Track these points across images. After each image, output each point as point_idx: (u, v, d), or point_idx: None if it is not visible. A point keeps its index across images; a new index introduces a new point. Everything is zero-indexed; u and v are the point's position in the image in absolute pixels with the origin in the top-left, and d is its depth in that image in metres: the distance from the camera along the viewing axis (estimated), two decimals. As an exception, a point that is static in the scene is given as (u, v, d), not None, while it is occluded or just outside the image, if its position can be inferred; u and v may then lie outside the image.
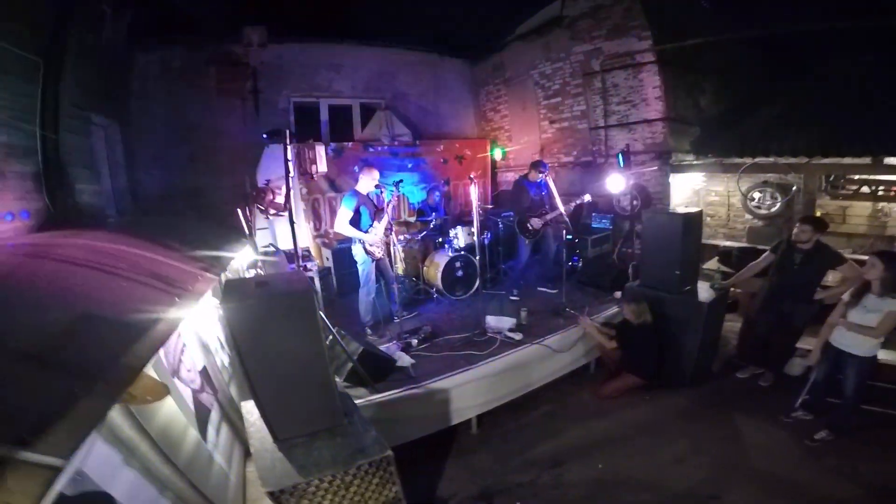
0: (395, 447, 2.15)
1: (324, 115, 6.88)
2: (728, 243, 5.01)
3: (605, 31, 5.55)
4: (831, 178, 4.32)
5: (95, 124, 4.95)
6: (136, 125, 5.64)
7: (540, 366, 3.94)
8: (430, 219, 5.90)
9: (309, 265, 3.97)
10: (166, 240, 3.75)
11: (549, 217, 5.00)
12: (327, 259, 5.83)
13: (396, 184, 4.43)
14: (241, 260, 3.97)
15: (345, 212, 4.11)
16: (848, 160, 4.11)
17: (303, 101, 6.71)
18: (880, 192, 4.01)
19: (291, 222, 3.42)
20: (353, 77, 6.87)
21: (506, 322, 4.22)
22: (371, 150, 6.45)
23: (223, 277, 3.70)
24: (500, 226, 5.78)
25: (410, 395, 3.25)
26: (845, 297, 3.16)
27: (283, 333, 2.05)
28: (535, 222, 5.03)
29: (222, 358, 3.29)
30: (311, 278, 3.92)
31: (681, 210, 4.27)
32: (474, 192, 4.14)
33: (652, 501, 2.86)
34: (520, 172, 7.09)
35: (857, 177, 4.13)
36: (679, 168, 5.15)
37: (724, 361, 4.36)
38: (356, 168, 6.12)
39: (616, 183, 4.83)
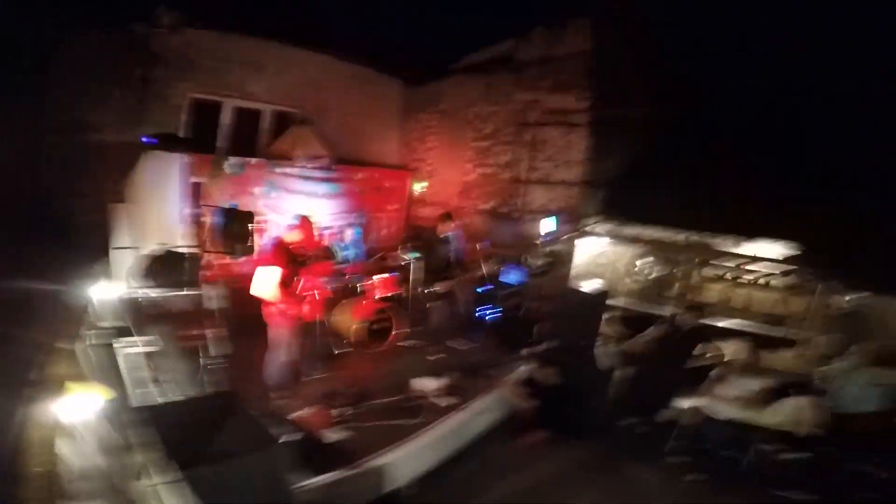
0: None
1: (225, 119, 5.93)
2: (611, 301, 5.70)
3: (549, 83, 5.73)
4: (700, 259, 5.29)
5: None
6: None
7: (466, 427, 4.04)
8: (345, 262, 5.46)
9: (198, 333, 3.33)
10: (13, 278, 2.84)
11: (456, 280, 5.01)
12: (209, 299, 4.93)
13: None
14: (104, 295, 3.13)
15: (270, 272, 3.43)
16: (714, 241, 5.09)
17: (203, 98, 5.69)
18: (730, 277, 5.07)
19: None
20: (272, 80, 6.07)
21: (431, 384, 4.22)
22: (278, 170, 5.70)
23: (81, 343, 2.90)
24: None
25: (347, 476, 3.07)
26: (713, 374, 4.07)
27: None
28: (443, 286, 4.92)
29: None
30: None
31: (590, 287, 4.76)
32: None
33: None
34: (436, 210, 7.09)
35: (717, 262, 5.15)
36: (586, 233, 5.71)
37: (609, 410, 4.93)
38: (257, 190, 5.47)
39: (538, 249, 5.13)
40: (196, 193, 4.75)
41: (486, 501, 3.61)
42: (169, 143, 4.78)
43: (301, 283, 3.72)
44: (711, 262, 5.14)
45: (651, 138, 5.41)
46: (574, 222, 5.74)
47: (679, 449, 4.21)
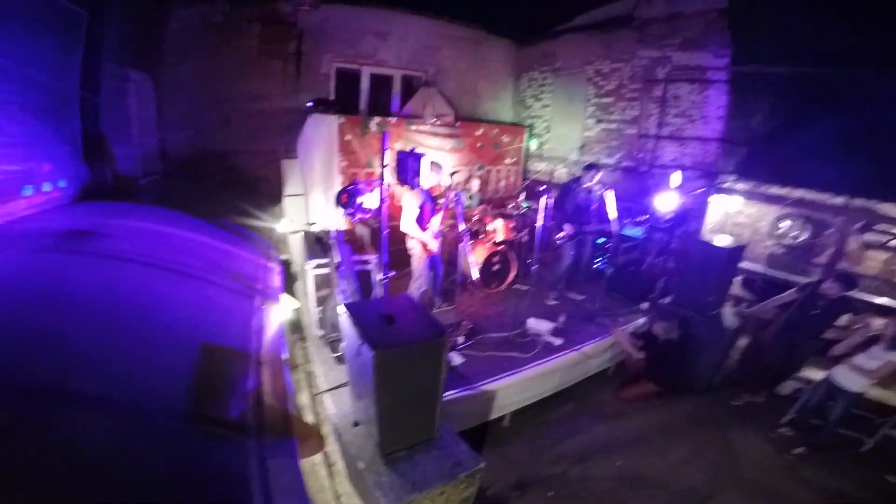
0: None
1: (365, 84, 6.68)
2: (747, 265, 5.31)
3: (678, 41, 5.43)
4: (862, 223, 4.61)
5: (131, 81, 4.77)
6: (169, 83, 5.41)
7: (573, 368, 4.31)
8: (468, 209, 5.98)
9: (367, 259, 4.15)
10: (217, 217, 3.81)
11: (588, 228, 5.04)
12: (361, 236, 5.90)
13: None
14: (285, 229, 4.09)
15: (412, 210, 4.22)
16: (881, 207, 4.39)
17: (344, 67, 6.47)
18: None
19: (382, 233, 3.52)
20: (398, 46, 6.62)
21: (545, 325, 4.52)
22: (412, 128, 6.28)
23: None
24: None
25: (463, 396, 3.56)
26: (854, 341, 3.67)
27: (415, 368, 2.34)
28: (567, 227, 4.95)
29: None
30: (370, 272, 4.09)
31: (724, 241, 4.51)
32: (542, 202, 4.29)
33: (663, 496, 3.39)
34: (552, 164, 7.21)
35: (883, 227, 4.44)
36: (722, 190, 5.34)
37: (725, 374, 4.79)
38: (396, 145, 6.08)
39: (667, 201, 5.01)
40: (348, 148, 5.58)
41: (585, 441, 3.89)
42: (324, 107, 5.61)
43: (435, 222, 4.38)
44: (874, 227, 4.47)
45: (801, 97, 4.76)
46: (708, 178, 5.39)
47: (795, 421, 4.03)
